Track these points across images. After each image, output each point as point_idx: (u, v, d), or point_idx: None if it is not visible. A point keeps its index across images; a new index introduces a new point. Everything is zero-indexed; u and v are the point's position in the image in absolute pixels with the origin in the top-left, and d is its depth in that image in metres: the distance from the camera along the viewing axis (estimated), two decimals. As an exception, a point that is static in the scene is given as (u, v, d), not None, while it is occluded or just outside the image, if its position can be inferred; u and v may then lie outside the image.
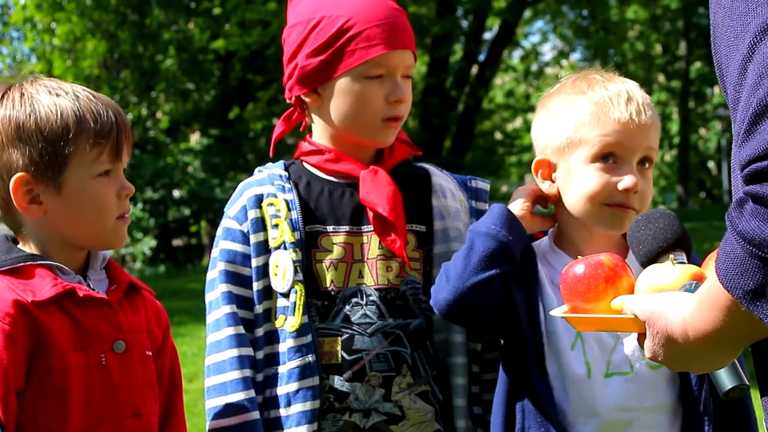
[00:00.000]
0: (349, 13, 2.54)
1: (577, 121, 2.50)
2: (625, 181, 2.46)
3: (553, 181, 2.59)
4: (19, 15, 20.26)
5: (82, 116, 2.26)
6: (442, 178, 2.73)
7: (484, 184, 2.79)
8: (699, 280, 1.89)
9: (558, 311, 2.09)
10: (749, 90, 1.39)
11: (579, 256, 2.15)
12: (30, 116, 2.24)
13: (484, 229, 2.51)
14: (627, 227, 2.35)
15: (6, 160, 2.26)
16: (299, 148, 2.71)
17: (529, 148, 29.24)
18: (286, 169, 2.68)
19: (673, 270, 1.95)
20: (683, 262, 2.03)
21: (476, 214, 2.70)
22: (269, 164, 2.72)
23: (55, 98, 2.28)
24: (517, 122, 29.27)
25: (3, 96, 2.30)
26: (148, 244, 18.18)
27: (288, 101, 2.72)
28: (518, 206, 2.59)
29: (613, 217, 2.48)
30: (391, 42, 2.55)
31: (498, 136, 28.57)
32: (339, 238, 2.58)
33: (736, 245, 1.41)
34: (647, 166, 2.52)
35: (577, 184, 2.51)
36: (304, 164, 2.69)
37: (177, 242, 20.11)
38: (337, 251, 2.57)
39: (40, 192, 2.26)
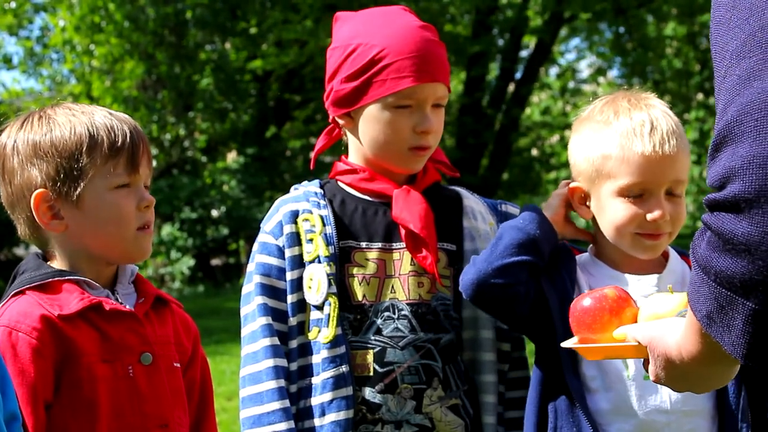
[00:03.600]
0: (383, 43, 2.59)
1: (604, 154, 2.51)
2: (654, 214, 2.47)
3: (588, 207, 2.61)
4: (58, 37, 20.45)
5: (94, 131, 2.32)
6: (473, 201, 2.78)
7: (513, 209, 2.82)
8: None
9: (569, 343, 2.17)
10: (718, 116, 1.42)
11: (595, 288, 2.24)
12: (45, 135, 2.32)
13: (513, 223, 2.57)
14: (662, 251, 2.51)
15: (26, 179, 2.32)
16: (334, 168, 2.77)
17: (566, 164, 29.04)
18: (322, 187, 2.73)
19: (671, 298, 2.07)
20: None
21: None
22: (305, 182, 2.78)
23: (71, 117, 2.35)
24: (554, 139, 29.17)
25: (24, 121, 2.38)
26: (186, 263, 18.25)
27: (330, 118, 2.79)
28: (552, 210, 2.63)
29: (645, 246, 2.51)
30: (421, 75, 2.59)
31: (535, 152, 28.48)
32: (372, 254, 2.63)
33: (694, 270, 1.48)
34: (677, 193, 2.52)
35: (607, 215, 2.54)
36: (339, 183, 2.74)
37: (215, 261, 20.17)
38: (370, 267, 2.62)
39: (61, 207, 2.32)
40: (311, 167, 2.95)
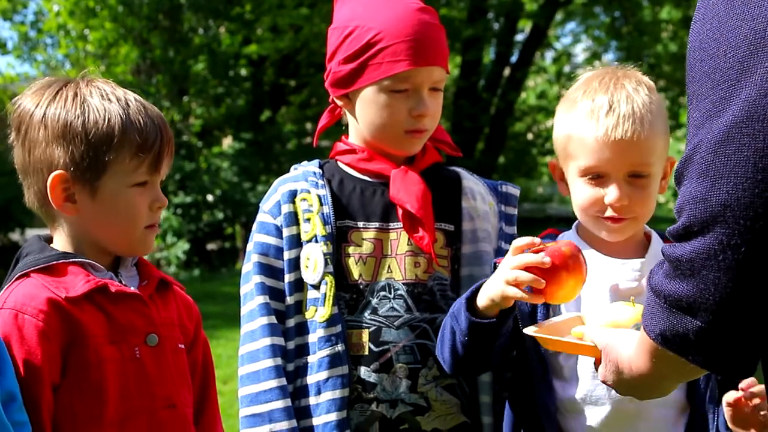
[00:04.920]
0: (380, 26, 2.60)
1: (568, 134, 2.50)
2: (609, 196, 2.44)
3: (565, 183, 2.59)
4: (52, 22, 20.42)
5: (128, 127, 2.30)
6: (472, 182, 2.79)
7: (514, 190, 2.84)
8: None
9: (530, 330, 2.25)
10: (683, 157, 1.56)
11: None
12: (78, 117, 2.28)
13: (458, 338, 2.41)
14: (629, 234, 2.49)
15: (48, 155, 2.29)
16: (334, 148, 2.79)
17: (561, 149, 29.18)
18: (321, 167, 2.75)
19: (630, 309, 2.21)
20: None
21: (505, 218, 2.78)
22: (305, 162, 2.80)
23: (107, 103, 2.32)
24: (549, 123, 29.21)
25: (57, 93, 2.33)
26: (181, 248, 18.24)
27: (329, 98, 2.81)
28: (490, 293, 2.34)
29: (609, 229, 2.48)
30: (417, 59, 2.59)
31: (530, 136, 28.52)
32: (369, 234, 2.65)
33: (648, 294, 1.65)
34: (644, 175, 2.45)
35: (573, 194, 2.54)
36: (338, 163, 2.77)
37: (211, 246, 20.18)
38: (366, 246, 2.63)
39: (76, 192, 2.31)
40: (314, 144, 2.99)
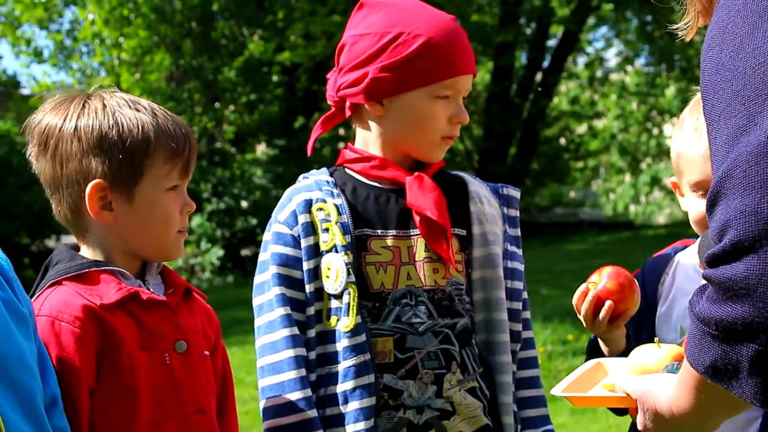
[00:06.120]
0: (428, 32, 2.60)
1: (677, 150, 2.60)
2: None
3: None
4: (88, 31, 20.57)
5: (160, 133, 2.35)
6: (477, 185, 2.80)
7: (515, 192, 2.86)
8: (680, 359, 2.06)
9: (557, 390, 2.23)
10: (713, 174, 1.52)
11: None
12: (113, 128, 2.32)
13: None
14: None
15: (85, 167, 2.33)
16: (342, 156, 2.78)
17: (593, 153, 29.01)
18: (331, 175, 2.74)
19: (658, 352, 2.18)
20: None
21: (509, 220, 2.80)
22: (313, 171, 2.78)
23: (136, 112, 2.36)
24: (582, 128, 29.08)
25: (84, 105, 2.36)
26: (216, 254, 18.31)
27: (330, 103, 2.78)
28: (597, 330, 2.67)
29: None
30: (463, 67, 2.64)
31: (562, 142, 28.41)
32: (387, 242, 2.64)
33: (693, 325, 1.56)
34: None
35: (688, 210, 2.61)
36: (347, 171, 2.75)
37: (245, 252, 20.21)
38: (385, 254, 2.63)
39: (113, 200, 2.34)
40: (309, 153, 2.95)
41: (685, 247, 2.77)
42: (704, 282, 1.54)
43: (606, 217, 29.24)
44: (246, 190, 19.12)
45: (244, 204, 19.09)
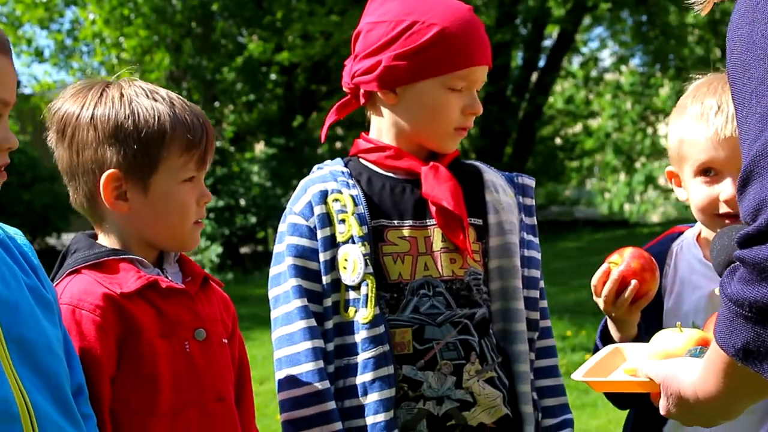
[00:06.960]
0: (443, 22, 2.57)
1: (679, 137, 2.59)
2: (724, 193, 2.50)
3: (683, 190, 2.67)
4: (88, 30, 20.55)
5: (176, 124, 2.33)
6: (492, 175, 2.78)
7: (530, 181, 2.83)
8: (703, 344, 2.09)
9: (578, 375, 2.23)
10: (744, 154, 1.49)
11: None
12: (129, 117, 2.31)
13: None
14: None
15: (100, 156, 2.32)
16: (355, 146, 2.75)
17: (588, 153, 29.12)
18: (345, 165, 2.71)
19: (680, 336, 2.18)
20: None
21: (525, 209, 2.78)
22: (328, 161, 2.76)
23: (153, 102, 2.35)
24: (577, 127, 29.19)
25: (102, 94, 2.36)
26: (215, 251, 18.34)
27: (345, 90, 2.76)
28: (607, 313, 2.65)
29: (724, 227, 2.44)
30: (479, 57, 2.62)
31: (558, 141, 28.52)
32: (404, 232, 2.61)
33: (725, 307, 1.52)
34: None
35: (690, 197, 2.61)
36: (362, 161, 2.72)
37: (244, 249, 20.21)
38: (402, 245, 2.60)
39: (128, 189, 2.34)
40: (322, 140, 2.84)
41: (680, 234, 2.74)
42: (734, 263, 1.51)
43: (601, 216, 29.28)
44: (245, 188, 19.19)
45: (242, 202, 19.15)
